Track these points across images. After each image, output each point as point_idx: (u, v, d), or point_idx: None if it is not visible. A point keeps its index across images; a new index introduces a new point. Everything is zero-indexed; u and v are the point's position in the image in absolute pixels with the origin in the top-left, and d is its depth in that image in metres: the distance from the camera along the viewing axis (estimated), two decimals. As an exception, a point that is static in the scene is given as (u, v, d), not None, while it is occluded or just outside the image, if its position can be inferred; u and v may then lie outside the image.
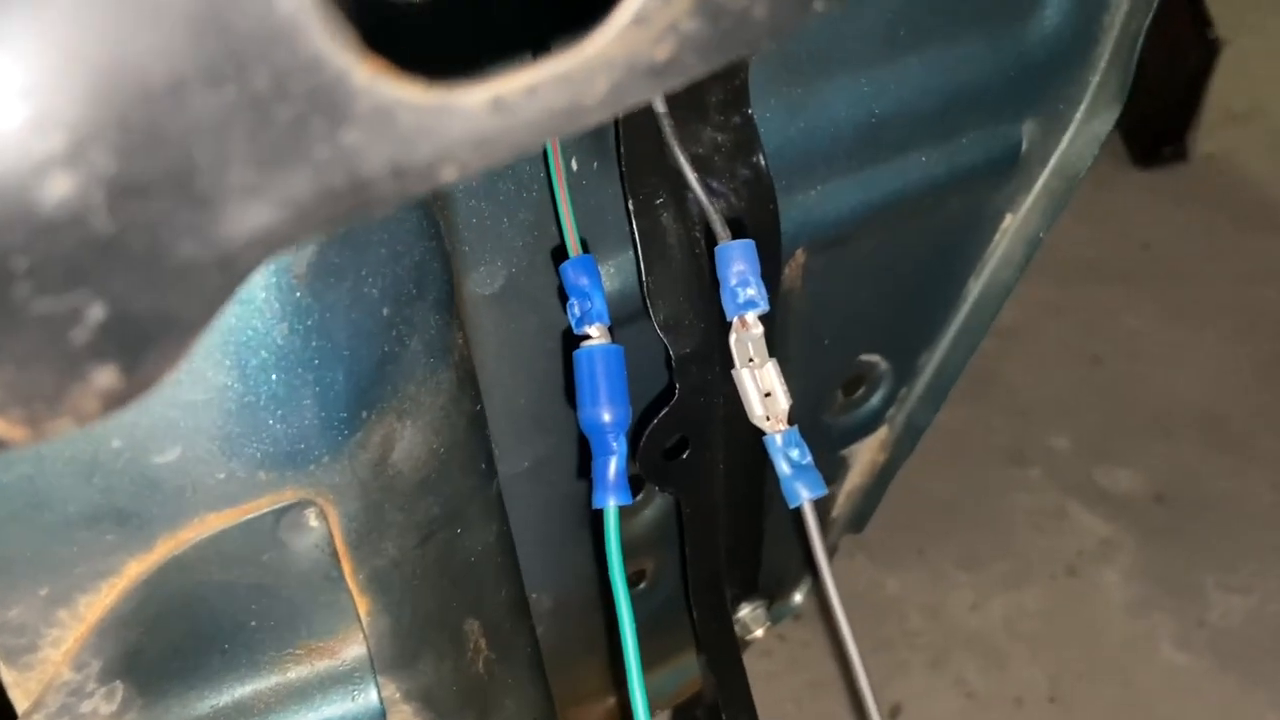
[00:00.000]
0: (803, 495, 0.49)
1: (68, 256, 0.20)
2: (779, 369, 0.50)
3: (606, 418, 0.48)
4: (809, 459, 0.50)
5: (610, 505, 0.47)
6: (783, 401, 0.50)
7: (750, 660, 0.73)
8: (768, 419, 0.50)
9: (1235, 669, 1.35)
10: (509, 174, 0.52)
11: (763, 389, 0.49)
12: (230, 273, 0.22)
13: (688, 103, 0.53)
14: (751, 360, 0.50)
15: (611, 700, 0.81)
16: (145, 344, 0.21)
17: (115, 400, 0.22)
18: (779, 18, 0.23)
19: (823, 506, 0.84)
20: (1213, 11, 2.16)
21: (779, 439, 0.50)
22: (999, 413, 1.72)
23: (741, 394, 0.51)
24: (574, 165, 0.54)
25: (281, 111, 0.20)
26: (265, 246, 0.22)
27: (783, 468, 0.49)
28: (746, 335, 0.50)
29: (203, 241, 0.21)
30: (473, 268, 0.52)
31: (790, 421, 0.50)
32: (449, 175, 0.23)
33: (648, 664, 0.84)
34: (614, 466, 0.48)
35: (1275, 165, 2.31)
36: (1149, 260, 2.05)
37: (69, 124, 0.19)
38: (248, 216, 0.21)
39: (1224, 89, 2.30)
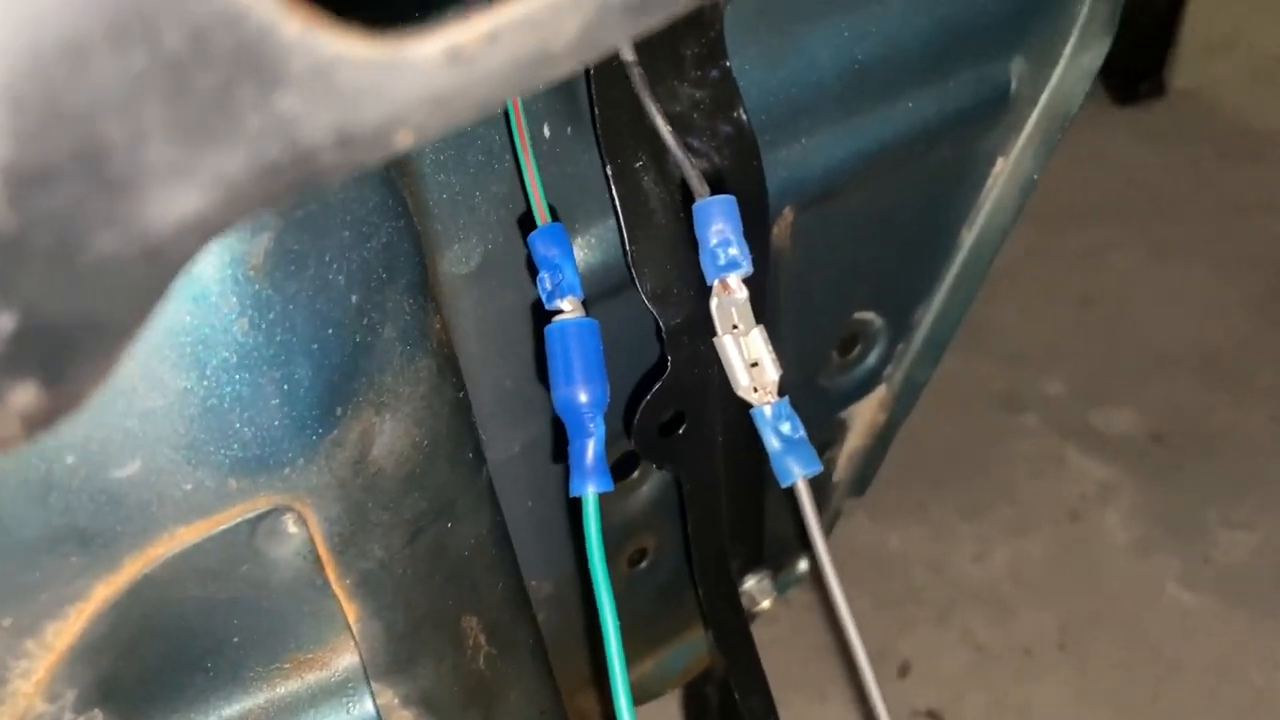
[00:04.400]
0: (795, 472, 0.45)
1: (-37, 260, 0.17)
2: (766, 335, 0.47)
3: (582, 398, 0.45)
4: (801, 432, 0.46)
5: (589, 493, 0.44)
6: (771, 371, 0.46)
7: (755, 628, 0.72)
8: (755, 390, 0.46)
9: (1243, 605, 1.34)
10: (478, 143, 0.49)
11: (748, 358, 0.46)
12: (159, 266, 0.19)
13: (663, 57, 0.50)
14: (735, 327, 0.46)
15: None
16: (67, 354, 0.19)
17: (39, 420, 0.19)
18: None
19: (823, 471, 0.82)
20: (1184, -58, 2.14)
21: (768, 411, 0.46)
22: (990, 360, 1.70)
23: (725, 364, 0.47)
24: (546, 132, 0.51)
25: (202, 76, 0.18)
26: (197, 233, 0.19)
27: (772, 443, 0.46)
28: (729, 300, 0.46)
29: (123, 232, 0.18)
30: (446, 246, 0.50)
31: (780, 392, 0.47)
32: (404, 141, 0.20)
33: (654, 644, 0.82)
34: (592, 450, 0.45)
35: (1254, 96, 2.28)
36: (1133, 198, 2.02)
37: (-53, 104, 0.16)
38: (173, 200, 0.18)
39: (1198, 21, 2.27)
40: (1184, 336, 1.72)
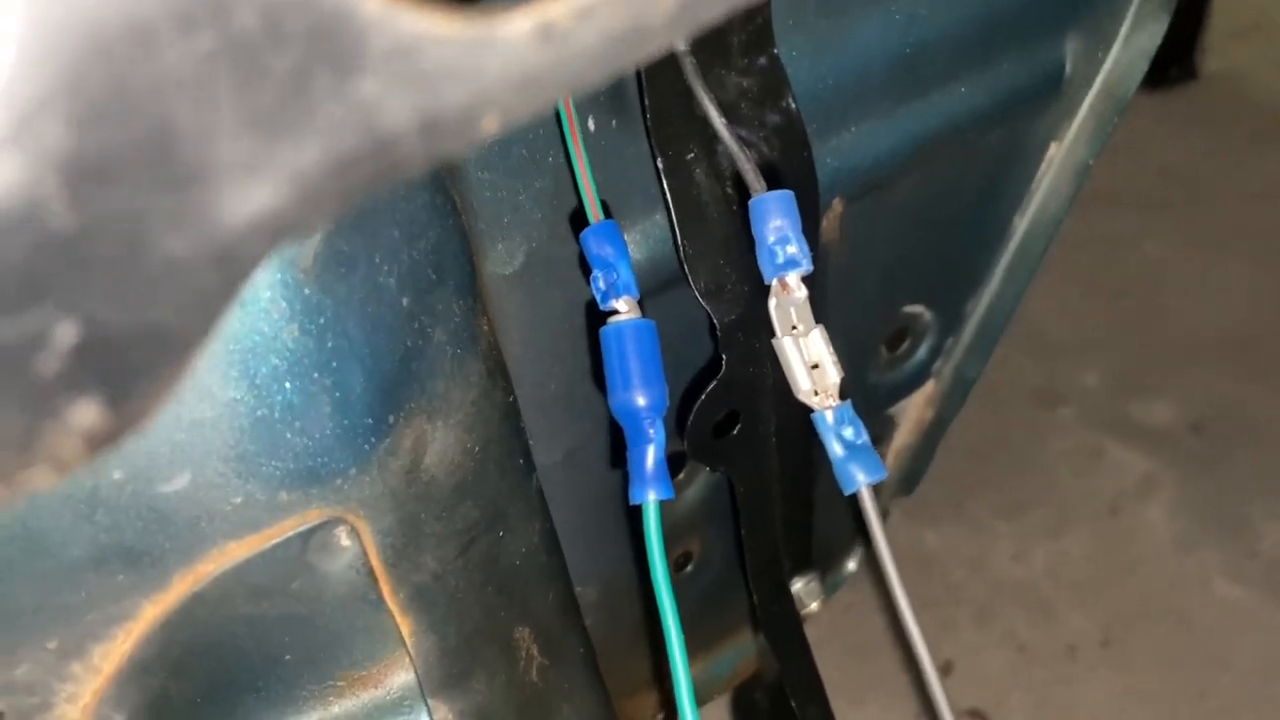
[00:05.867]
0: (860, 480, 0.43)
1: (21, 264, 0.15)
2: (826, 336, 0.45)
3: (641, 401, 0.43)
4: (865, 437, 0.44)
5: (650, 500, 0.42)
6: (832, 373, 0.44)
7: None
8: (816, 394, 0.44)
9: (1293, 599, 1.32)
10: (521, 139, 0.47)
11: (809, 360, 0.44)
12: (230, 270, 0.17)
13: (709, 45, 0.48)
14: (795, 328, 0.44)
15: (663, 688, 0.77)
16: (132, 368, 0.17)
17: (102, 440, 0.17)
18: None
19: (870, 469, 0.80)
20: (1211, -76, 2.10)
21: (830, 416, 0.44)
22: (1024, 353, 1.67)
23: (784, 367, 0.45)
24: (591, 125, 0.49)
25: (276, 59, 0.16)
26: (271, 234, 0.17)
27: (835, 449, 0.44)
28: (789, 299, 0.44)
29: (192, 234, 0.16)
30: (490, 246, 0.48)
31: (842, 395, 0.45)
32: (490, 126, 0.18)
33: (701, 648, 0.80)
34: (652, 456, 0.43)
35: (1284, 78, 2.24)
36: (1166, 185, 1.99)
37: (4, 90, 0.14)
38: (246, 198, 0.17)
39: (1228, 3, 2.23)
40: (1220, 325, 1.69)
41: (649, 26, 0.18)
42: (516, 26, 0.17)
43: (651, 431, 0.43)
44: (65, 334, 0.16)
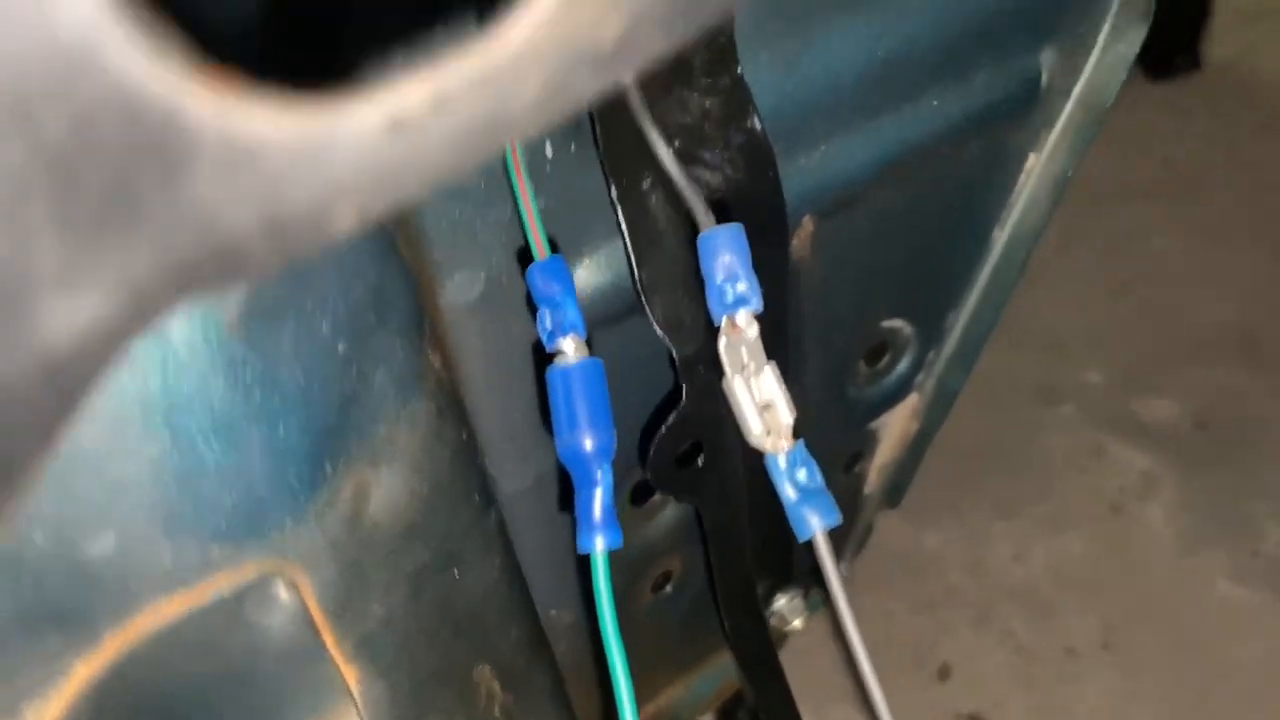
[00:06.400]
0: (814, 525, 0.42)
1: None
2: (779, 374, 0.44)
3: (588, 445, 0.42)
4: (819, 480, 0.43)
5: (598, 548, 0.41)
6: (785, 414, 0.42)
7: (790, 639, 0.69)
8: (768, 435, 0.43)
9: (1296, 600, 1.30)
10: (477, 170, 0.46)
11: (760, 400, 0.42)
12: (60, 387, 0.16)
13: (669, 68, 0.47)
14: (746, 367, 0.43)
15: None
16: (-37, 489, 0.16)
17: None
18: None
19: (854, 485, 0.79)
20: (1215, -91, 2.07)
21: (782, 461, 0.43)
22: (1025, 349, 1.65)
23: (735, 410, 0.43)
24: (548, 152, 0.48)
25: (93, 169, 0.15)
26: (103, 344, 0.16)
27: (788, 493, 0.43)
28: (739, 339, 0.43)
29: (12, 353, 0.16)
30: (447, 276, 0.47)
31: (796, 435, 0.44)
32: (345, 223, 0.17)
33: (684, 667, 0.79)
34: (599, 502, 0.41)
35: (1292, 65, 2.21)
36: (1171, 177, 1.96)
37: None
38: (70, 310, 0.16)
39: (1232, -11, 2.20)
40: (1225, 321, 1.67)
41: (511, 115, 0.17)
42: (363, 120, 0.16)
43: (599, 475, 0.42)
44: (-123, 464, 0.15)
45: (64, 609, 0.33)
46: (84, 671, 0.35)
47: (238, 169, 0.16)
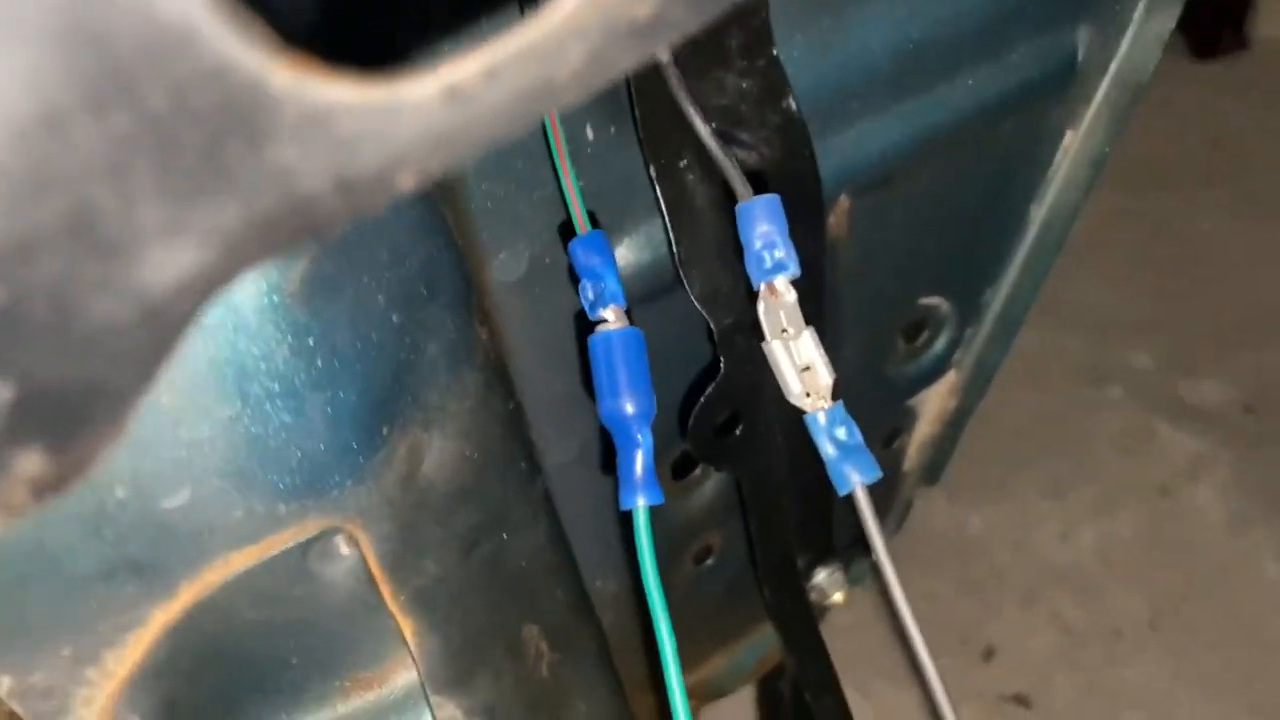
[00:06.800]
0: (853, 480, 0.44)
1: (-45, 334, 0.17)
2: (817, 338, 0.46)
3: (629, 409, 0.44)
4: (859, 437, 0.45)
5: (639, 505, 0.43)
6: (824, 375, 0.44)
7: (834, 615, 0.70)
8: (808, 395, 0.45)
9: (1348, 582, 1.29)
10: (520, 150, 0.48)
11: (800, 362, 0.44)
12: (160, 327, 0.18)
13: (706, 49, 0.49)
14: (785, 331, 0.45)
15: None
16: (72, 420, 0.18)
17: (50, 486, 0.19)
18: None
19: (893, 460, 0.80)
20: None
21: (822, 418, 0.45)
22: (1072, 332, 1.64)
23: (775, 371, 0.45)
24: (589, 134, 0.50)
25: (189, 134, 0.17)
26: (197, 290, 0.18)
27: (828, 450, 0.45)
28: (777, 304, 0.44)
29: (120, 298, 0.18)
30: (493, 255, 0.49)
31: (835, 396, 0.45)
32: (406, 182, 0.19)
33: (726, 638, 0.81)
34: (640, 462, 0.44)
35: (1347, 41, 2.17)
36: (1218, 158, 1.94)
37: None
38: (169, 260, 0.18)
39: (1285, -35, 2.16)
40: (1273, 303, 1.65)
41: (556, 83, 0.19)
42: (423, 90, 0.18)
43: (639, 438, 0.44)
44: (2, 394, 0.17)
45: (142, 560, 0.36)
46: (160, 619, 0.38)
47: (314, 135, 0.18)
